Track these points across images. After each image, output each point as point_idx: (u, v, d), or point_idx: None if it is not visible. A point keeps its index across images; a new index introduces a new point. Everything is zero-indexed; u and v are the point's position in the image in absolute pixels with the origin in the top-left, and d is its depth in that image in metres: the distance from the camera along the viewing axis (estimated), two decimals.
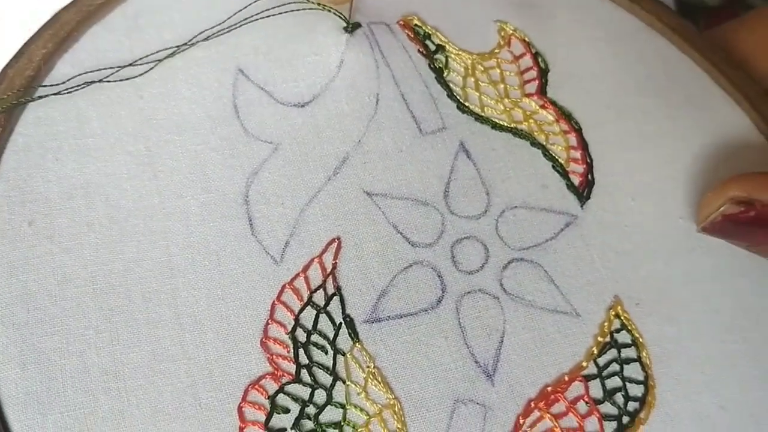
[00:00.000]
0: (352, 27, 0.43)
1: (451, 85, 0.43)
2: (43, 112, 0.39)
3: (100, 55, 0.41)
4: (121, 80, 0.40)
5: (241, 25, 0.42)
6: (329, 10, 0.42)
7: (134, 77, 0.40)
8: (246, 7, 0.42)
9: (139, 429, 0.34)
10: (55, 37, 0.40)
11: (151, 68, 0.40)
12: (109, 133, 0.39)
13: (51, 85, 0.39)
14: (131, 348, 0.35)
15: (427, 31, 0.44)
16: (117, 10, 0.42)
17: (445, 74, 0.43)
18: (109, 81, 0.40)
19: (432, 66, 0.43)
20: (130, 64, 0.40)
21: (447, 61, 0.43)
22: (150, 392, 0.34)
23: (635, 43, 0.46)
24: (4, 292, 0.35)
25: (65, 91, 0.39)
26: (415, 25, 0.44)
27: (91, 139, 0.39)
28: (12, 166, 0.38)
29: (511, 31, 0.45)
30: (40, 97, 0.39)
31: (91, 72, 0.40)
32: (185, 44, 0.41)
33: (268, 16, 0.42)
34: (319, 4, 0.42)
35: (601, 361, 0.38)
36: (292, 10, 0.42)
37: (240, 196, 0.39)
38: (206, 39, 0.41)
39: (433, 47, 0.44)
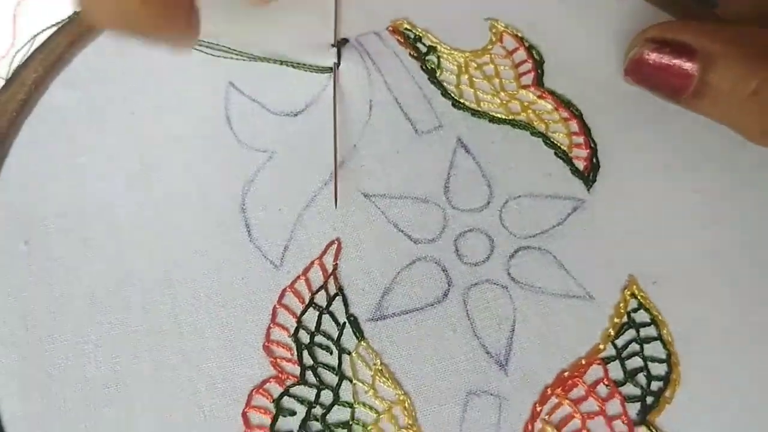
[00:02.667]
0: (339, 43, 0.43)
1: (444, 84, 0.42)
2: (37, 133, 0.40)
3: (92, 75, 0.41)
4: (114, 101, 0.41)
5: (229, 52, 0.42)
6: (309, 70, 0.43)
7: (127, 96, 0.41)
8: None
9: None
10: (45, 61, 0.41)
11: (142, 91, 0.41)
12: (102, 150, 0.40)
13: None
14: (132, 360, 0.35)
15: (417, 33, 0.44)
16: (107, 32, 0.43)
17: (438, 74, 0.43)
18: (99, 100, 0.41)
19: (424, 67, 0.43)
20: None
21: (439, 61, 0.43)
22: (153, 403, 0.34)
23: (635, 21, 0.45)
24: (3, 310, 0.36)
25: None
26: (405, 28, 0.44)
27: (84, 156, 0.39)
28: (6, 187, 0.38)
29: (502, 28, 0.44)
30: None
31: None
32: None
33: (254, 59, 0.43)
34: (301, 66, 0.43)
35: (620, 342, 0.36)
36: (282, 62, 0.43)
37: (237, 204, 0.39)
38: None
39: (424, 49, 0.43)
